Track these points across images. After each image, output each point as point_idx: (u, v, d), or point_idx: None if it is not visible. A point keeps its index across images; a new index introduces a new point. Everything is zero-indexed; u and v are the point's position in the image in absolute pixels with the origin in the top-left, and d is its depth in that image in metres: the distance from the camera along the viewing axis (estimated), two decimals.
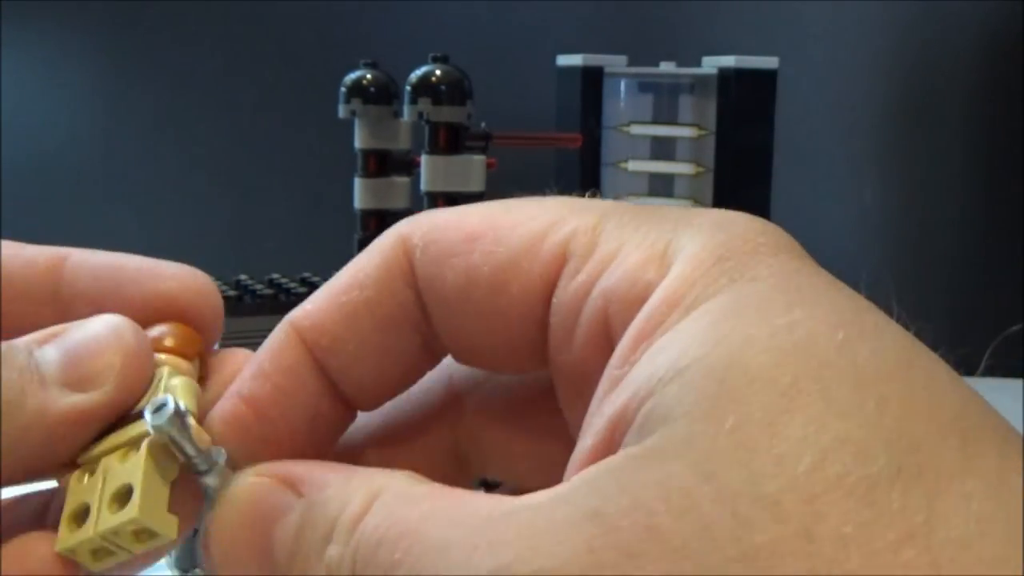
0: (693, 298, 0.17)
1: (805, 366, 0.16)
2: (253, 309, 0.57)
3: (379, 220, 0.72)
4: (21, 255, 0.23)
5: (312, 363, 0.21)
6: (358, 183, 0.73)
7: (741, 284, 0.17)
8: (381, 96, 0.71)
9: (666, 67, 0.86)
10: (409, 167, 0.72)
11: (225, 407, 0.21)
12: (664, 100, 0.88)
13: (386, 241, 0.21)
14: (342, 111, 0.72)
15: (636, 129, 0.88)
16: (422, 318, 0.21)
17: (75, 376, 0.21)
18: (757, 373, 0.16)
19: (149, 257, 0.24)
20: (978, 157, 1.07)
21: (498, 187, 0.70)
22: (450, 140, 0.64)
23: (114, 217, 1.14)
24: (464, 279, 0.20)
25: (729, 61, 0.83)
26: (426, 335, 0.21)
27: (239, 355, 0.23)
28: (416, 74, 0.65)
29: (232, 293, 0.57)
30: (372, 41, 1.08)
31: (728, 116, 0.83)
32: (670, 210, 0.20)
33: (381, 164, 0.72)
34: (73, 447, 0.21)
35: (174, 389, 0.21)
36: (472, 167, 0.65)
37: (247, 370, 0.21)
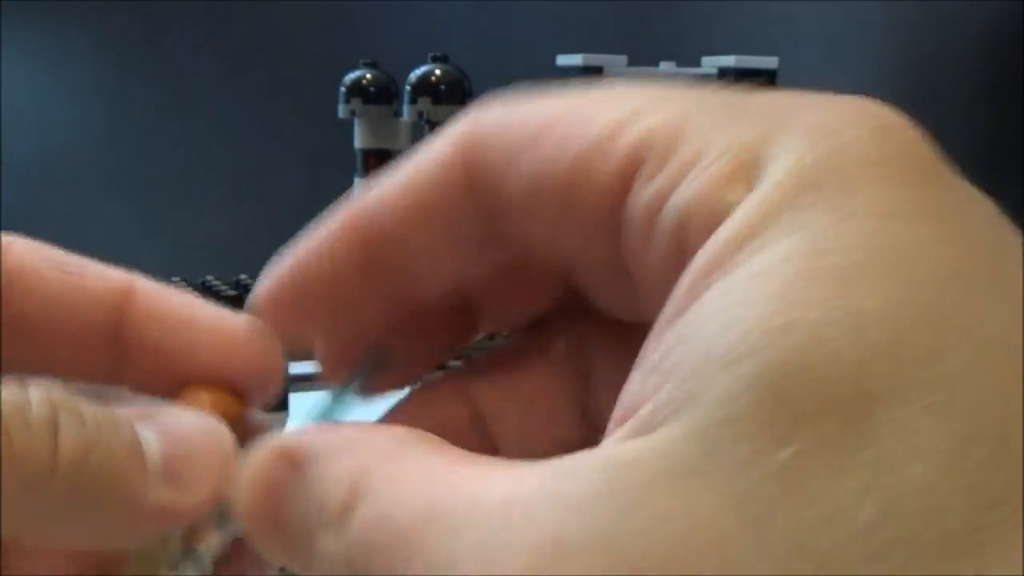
0: (772, 233, 0.15)
1: (883, 382, 0.13)
2: None
3: None
4: (85, 288, 0.22)
5: (364, 254, 0.20)
6: (358, 183, 0.73)
7: (828, 223, 0.14)
8: (381, 96, 0.71)
9: (666, 67, 0.86)
10: None
11: (270, 281, 0.21)
12: None
13: (446, 139, 0.20)
14: (342, 111, 0.72)
15: None
16: (485, 217, 0.19)
17: (174, 471, 0.19)
18: (824, 388, 0.13)
19: (215, 306, 0.23)
20: (979, 158, 1.07)
21: None
22: None
23: (114, 217, 1.14)
24: (531, 182, 0.18)
25: (729, 61, 0.83)
26: (487, 236, 0.20)
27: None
28: (416, 74, 0.65)
29: (232, 293, 0.57)
30: (372, 41, 1.08)
31: None
32: (774, 101, 0.17)
33: (381, 164, 0.72)
34: (146, 540, 0.20)
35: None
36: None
37: (302, 243, 0.21)
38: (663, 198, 0.16)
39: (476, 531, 0.15)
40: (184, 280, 0.60)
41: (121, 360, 0.22)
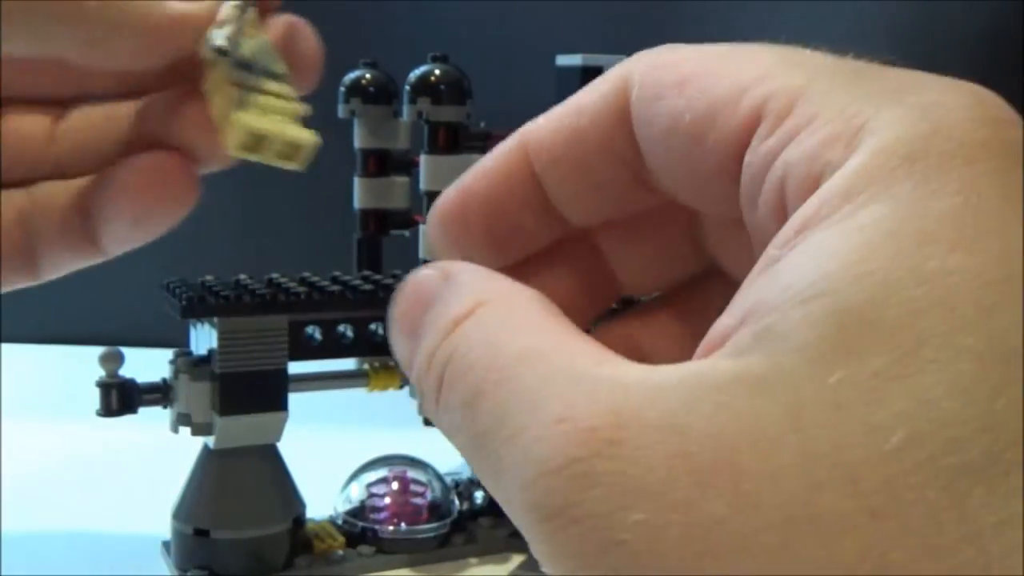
0: (865, 197, 0.16)
1: (936, 329, 0.15)
2: (253, 309, 0.57)
3: (379, 220, 0.72)
4: None
5: (530, 174, 0.23)
6: (358, 183, 0.73)
7: (918, 196, 0.16)
8: (381, 96, 0.70)
9: None
10: (409, 167, 0.72)
11: (444, 196, 0.24)
12: None
13: (611, 75, 0.22)
14: (342, 111, 0.72)
15: None
16: (633, 154, 0.21)
17: None
18: (883, 329, 0.15)
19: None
20: None
21: None
22: (449, 140, 0.64)
23: None
24: (668, 123, 0.20)
25: None
26: (637, 170, 0.22)
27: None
28: (415, 74, 0.64)
29: (232, 293, 0.57)
30: (372, 41, 1.08)
31: None
32: (887, 78, 0.18)
33: (381, 164, 0.72)
34: (185, 40, 0.30)
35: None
36: (471, 166, 0.65)
37: (474, 166, 0.24)
38: (773, 156, 0.18)
39: (564, 379, 0.17)
40: (183, 280, 0.60)
41: None
